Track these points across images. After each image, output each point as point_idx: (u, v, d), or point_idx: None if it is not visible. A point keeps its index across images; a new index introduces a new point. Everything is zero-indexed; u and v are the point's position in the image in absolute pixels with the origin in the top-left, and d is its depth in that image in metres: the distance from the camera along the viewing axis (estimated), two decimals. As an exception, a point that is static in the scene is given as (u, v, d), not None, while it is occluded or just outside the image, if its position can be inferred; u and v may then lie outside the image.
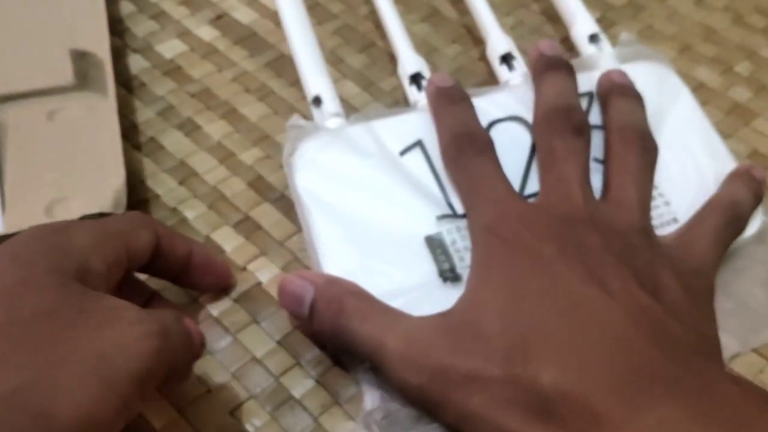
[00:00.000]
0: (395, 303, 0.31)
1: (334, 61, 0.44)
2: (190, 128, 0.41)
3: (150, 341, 0.25)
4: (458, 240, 0.34)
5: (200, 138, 0.41)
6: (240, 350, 0.33)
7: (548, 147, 0.35)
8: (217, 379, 0.32)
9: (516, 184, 0.35)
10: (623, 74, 0.38)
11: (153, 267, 0.31)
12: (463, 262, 0.33)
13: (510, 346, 0.28)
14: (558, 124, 0.35)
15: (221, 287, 0.34)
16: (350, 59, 0.44)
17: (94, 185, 0.36)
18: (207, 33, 0.46)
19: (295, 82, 0.42)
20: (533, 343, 0.28)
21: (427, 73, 0.41)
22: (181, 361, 0.28)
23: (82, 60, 0.41)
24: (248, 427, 0.31)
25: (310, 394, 0.32)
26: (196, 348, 0.29)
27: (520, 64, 0.41)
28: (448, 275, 0.33)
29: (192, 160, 0.40)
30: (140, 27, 0.46)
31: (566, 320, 0.28)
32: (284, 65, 0.44)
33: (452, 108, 0.37)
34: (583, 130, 0.35)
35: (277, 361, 0.33)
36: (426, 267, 0.33)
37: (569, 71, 0.38)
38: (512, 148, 0.36)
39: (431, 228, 0.34)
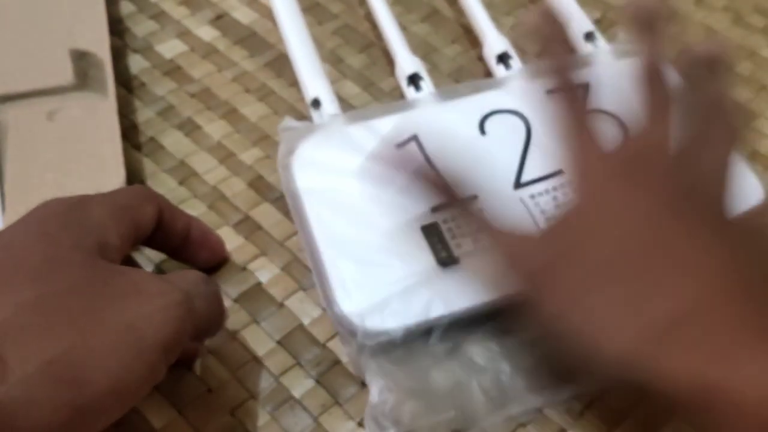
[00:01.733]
0: (395, 289, 0.32)
1: (334, 61, 0.44)
2: (190, 128, 0.41)
3: (173, 310, 0.26)
4: (453, 227, 0.34)
5: (200, 138, 0.41)
6: (240, 350, 0.33)
7: (647, 99, 0.34)
8: (217, 379, 0.32)
9: (512, 173, 0.36)
10: (715, 45, 0.36)
11: (153, 240, 0.32)
12: (460, 249, 0.34)
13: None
14: (657, 83, 0.34)
15: (216, 261, 0.35)
16: (350, 59, 0.44)
17: (94, 185, 0.36)
18: (207, 33, 0.46)
19: (295, 82, 0.42)
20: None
21: (424, 73, 0.41)
22: (208, 320, 0.29)
23: (82, 60, 0.41)
24: (248, 427, 0.31)
25: (310, 394, 0.32)
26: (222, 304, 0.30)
27: (516, 62, 0.42)
28: (446, 261, 0.33)
29: (192, 160, 0.40)
30: (140, 27, 0.46)
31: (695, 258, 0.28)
32: (284, 65, 0.44)
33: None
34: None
35: (277, 361, 0.33)
36: (424, 255, 0.34)
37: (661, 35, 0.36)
38: (509, 138, 0.37)
39: (426, 218, 0.35)
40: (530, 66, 0.41)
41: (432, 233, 0.34)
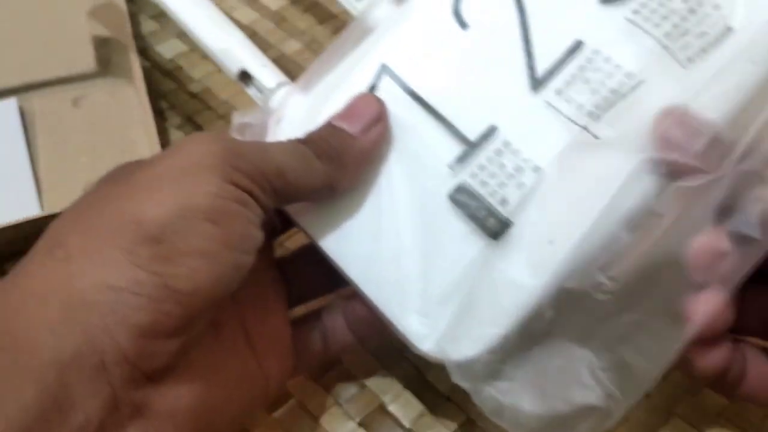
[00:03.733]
0: (453, 306, 0.26)
1: (334, 61, 0.44)
2: (190, 128, 0.41)
3: None
4: (488, 179, 0.26)
5: (200, 138, 0.41)
6: (240, 350, 0.33)
7: None
8: (217, 379, 0.32)
9: (522, 70, 0.27)
10: None
11: None
12: (506, 205, 0.26)
13: None
14: None
15: None
16: (350, 59, 0.44)
17: None
18: (207, 33, 0.46)
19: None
20: None
21: None
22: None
23: (104, 46, 0.42)
24: (248, 427, 0.31)
25: (310, 394, 0.32)
26: None
27: None
28: (496, 227, 0.25)
29: (192, 160, 0.40)
30: (140, 27, 0.46)
31: None
32: (284, 65, 0.44)
33: None
34: None
35: (278, 362, 0.33)
36: (466, 235, 0.26)
37: None
38: (500, 22, 0.27)
39: (448, 182, 0.26)
40: None
41: (465, 198, 0.26)
